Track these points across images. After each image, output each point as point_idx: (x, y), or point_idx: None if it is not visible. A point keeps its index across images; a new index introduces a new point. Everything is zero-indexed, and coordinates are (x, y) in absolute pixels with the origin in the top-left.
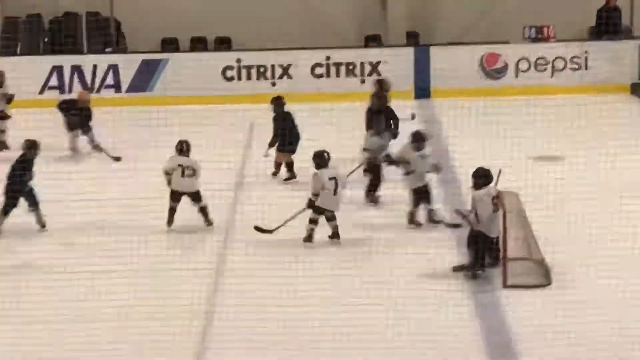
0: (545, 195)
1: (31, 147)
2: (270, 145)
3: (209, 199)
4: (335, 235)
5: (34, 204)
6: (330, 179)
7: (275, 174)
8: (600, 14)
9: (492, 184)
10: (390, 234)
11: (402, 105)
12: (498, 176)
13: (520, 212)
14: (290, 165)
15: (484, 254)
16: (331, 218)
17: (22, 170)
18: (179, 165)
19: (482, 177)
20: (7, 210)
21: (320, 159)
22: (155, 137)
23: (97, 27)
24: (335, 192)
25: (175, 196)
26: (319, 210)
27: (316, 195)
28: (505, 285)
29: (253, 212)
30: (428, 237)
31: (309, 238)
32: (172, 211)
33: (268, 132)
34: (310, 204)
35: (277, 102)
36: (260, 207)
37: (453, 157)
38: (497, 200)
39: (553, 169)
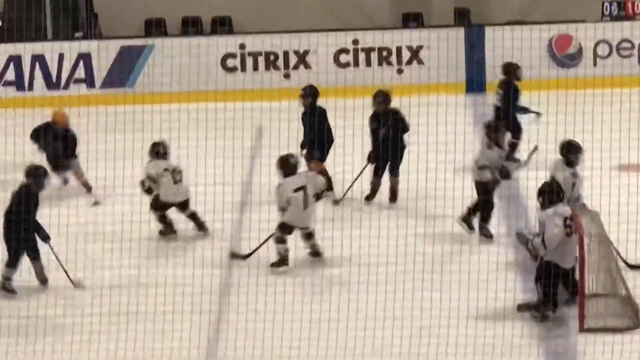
0: (633, 215)
1: (35, 175)
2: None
3: (208, 223)
4: (315, 254)
5: (33, 250)
6: (296, 189)
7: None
8: None
9: (561, 204)
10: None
11: (453, 102)
12: (532, 153)
13: (602, 236)
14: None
15: (555, 289)
16: (307, 236)
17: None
18: (165, 169)
19: (549, 193)
20: (11, 265)
21: (285, 166)
22: (139, 144)
23: (63, 6)
24: (305, 206)
25: (165, 206)
26: (286, 229)
27: (283, 209)
28: (582, 329)
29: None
30: (483, 260)
31: (280, 262)
32: (164, 218)
33: (280, 137)
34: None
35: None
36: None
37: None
38: (572, 221)
39: None
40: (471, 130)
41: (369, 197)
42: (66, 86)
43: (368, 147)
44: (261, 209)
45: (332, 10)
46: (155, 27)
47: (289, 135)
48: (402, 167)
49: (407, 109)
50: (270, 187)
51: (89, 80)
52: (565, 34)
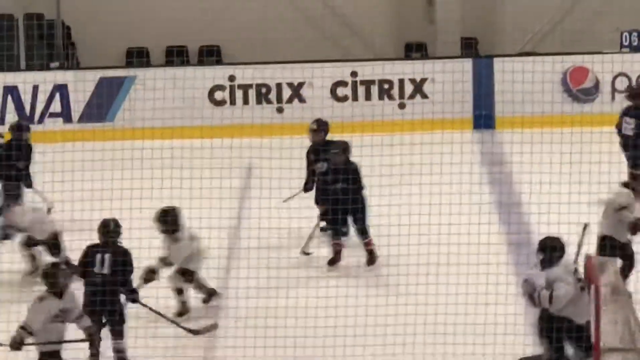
0: None
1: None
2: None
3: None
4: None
5: None
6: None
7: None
8: None
9: (574, 255)
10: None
11: (460, 140)
12: (583, 233)
13: (619, 286)
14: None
15: (562, 343)
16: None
17: None
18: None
19: (555, 250)
20: None
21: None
22: (118, 183)
23: (38, 34)
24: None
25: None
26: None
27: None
28: None
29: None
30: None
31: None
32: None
33: (272, 177)
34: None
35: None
36: (258, 282)
37: (527, 210)
38: (587, 270)
39: None
40: (478, 170)
41: (332, 262)
42: (41, 120)
43: (370, 188)
44: (250, 255)
45: (329, 40)
46: (137, 57)
47: (281, 175)
48: (410, 209)
49: (409, 146)
50: (260, 232)
51: (66, 114)
52: (581, 66)
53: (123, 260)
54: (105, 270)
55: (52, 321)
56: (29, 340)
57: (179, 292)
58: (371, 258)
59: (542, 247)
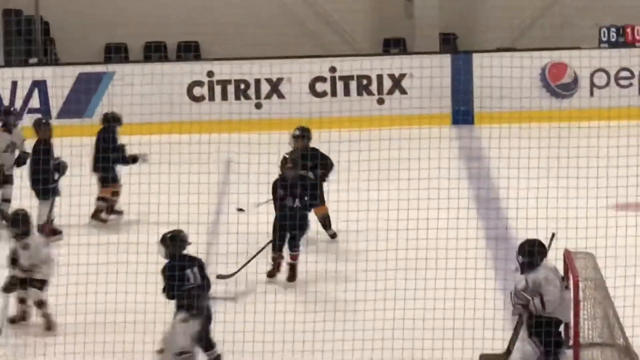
0: (631, 259)
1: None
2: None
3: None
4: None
5: None
6: None
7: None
8: None
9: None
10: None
11: (438, 135)
12: (550, 242)
13: (598, 281)
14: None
15: (551, 343)
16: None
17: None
18: None
19: (535, 254)
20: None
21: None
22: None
23: (16, 29)
24: None
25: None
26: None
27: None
28: None
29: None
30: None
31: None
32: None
33: (250, 172)
34: None
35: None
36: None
37: (505, 206)
38: (564, 268)
39: None
40: (457, 166)
41: (271, 274)
42: (20, 116)
43: (347, 182)
44: (228, 249)
45: (307, 35)
46: (115, 53)
47: (259, 170)
48: (388, 204)
49: (387, 141)
50: (239, 227)
51: (44, 110)
52: (560, 62)
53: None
54: (199, 281)
55: None
56: None
57: (21, 301)
58: (292, 274)
59: (522, 251)
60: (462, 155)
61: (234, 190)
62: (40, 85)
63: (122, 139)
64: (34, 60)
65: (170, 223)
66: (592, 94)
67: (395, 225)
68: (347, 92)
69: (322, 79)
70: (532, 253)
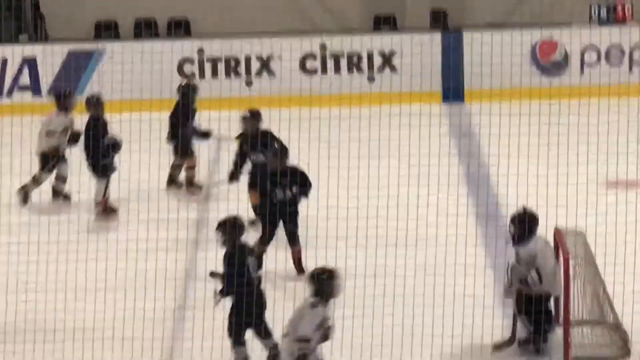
0: (621, 236)
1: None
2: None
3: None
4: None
5: None
6: None
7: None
8: None
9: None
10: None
11: (428, 112)
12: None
13: (588, 258)
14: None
15: (541, 319)
16: None
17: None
18: None
19: (527, 224)
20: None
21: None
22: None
23: (6, 5)
24: None
25: None
26: None
27: None
28: (568, 359)
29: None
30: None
31: None
32: None
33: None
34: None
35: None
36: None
37: (493, 183)
38: (558, 246)
39: (631, 199)
40: (447, 143)
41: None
42: (9, 93)
43: (336, 159)
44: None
45: (298, 12)
46: (106, 30)
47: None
48: (378, 182)
49: (378, 119)
50: (229, 204)
51: (35, 87)
52: (550, 40)
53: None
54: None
55: None
56: None
57: None
58: (301, 267)
59: (514, 221)
60: (452, 132)
61: (224, 168)
62: (30, 63)
63: (114, 117)
64: (23, 36)
65: (160, 199)
66: (582, 71)
67: (385, 202)
68: (337, 70)
69: (312, 57)
70: (524, 224)
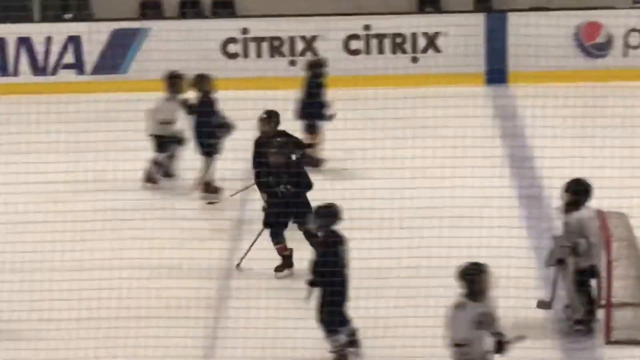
0: None
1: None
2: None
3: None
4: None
5: None
6: None
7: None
8: None
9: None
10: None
11: (472, 94)
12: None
13: (631, 241)
14: None
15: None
16: None
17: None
18: None
19: (582, 193)
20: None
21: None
22: (131, 135)
23: None
24: None
25: None
26: None
27: None
28: (608, 341)
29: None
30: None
31: None
32: None
33: (284, 128)
34: None
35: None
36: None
37: (538, 166)
38: (600, 228)
39: None
40: (490, 124)
41: (280, 268)
42: (54, 72)
43: (378, 142)
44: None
45: None
46: (151, 9)
47: (293, 127)
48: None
49: (421, 100)
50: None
51: (79, 66)
52: (594, 22)
53: None
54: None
55: None
56: None
57: None
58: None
59: (568, 189)
60: (496, 114)
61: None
62: (75, 41)
63: (158, 96)
64: (69, 15)
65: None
66: (625, 54)
67: (429, 184)
68: (381, 50)
69: (356, 37)
70: (578, 192)
